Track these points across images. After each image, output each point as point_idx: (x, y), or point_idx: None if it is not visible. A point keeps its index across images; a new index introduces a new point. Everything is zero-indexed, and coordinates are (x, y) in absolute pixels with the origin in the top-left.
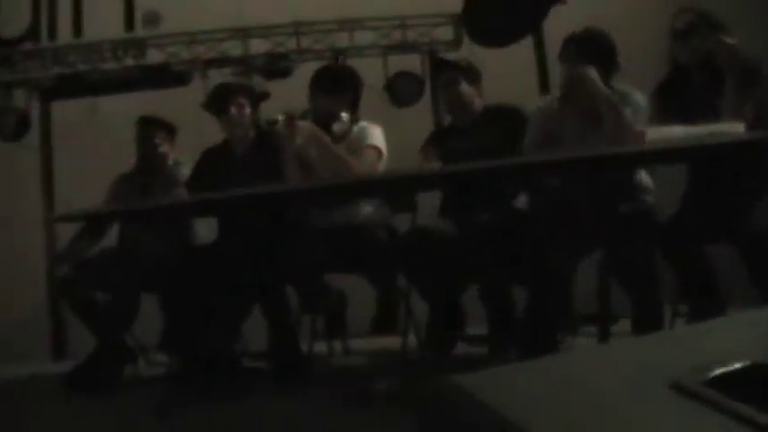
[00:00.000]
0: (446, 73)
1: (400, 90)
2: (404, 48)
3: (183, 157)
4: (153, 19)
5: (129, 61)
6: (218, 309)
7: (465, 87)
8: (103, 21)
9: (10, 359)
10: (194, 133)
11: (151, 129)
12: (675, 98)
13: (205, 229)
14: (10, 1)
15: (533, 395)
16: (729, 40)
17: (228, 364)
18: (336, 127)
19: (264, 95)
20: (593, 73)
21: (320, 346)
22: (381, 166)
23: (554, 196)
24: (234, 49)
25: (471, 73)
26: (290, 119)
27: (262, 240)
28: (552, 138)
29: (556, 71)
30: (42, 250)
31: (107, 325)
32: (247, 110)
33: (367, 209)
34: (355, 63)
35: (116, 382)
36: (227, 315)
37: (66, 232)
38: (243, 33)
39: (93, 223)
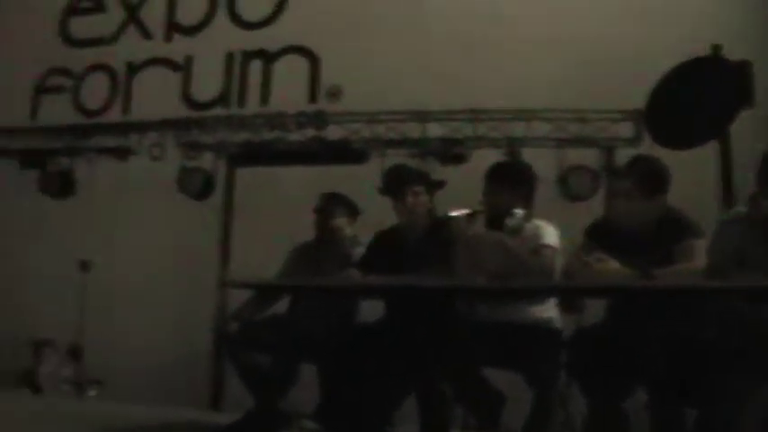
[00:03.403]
0: (620, 182)
1: (574, 184)
2: (580, 142)
3: (359, 237)
4: (335, 92)
5: (311, 133)
6: (374, 389)
7: (636, 204)
8: (289, 92)
9: (171, 403)
10: (368, 211)
11: (333, 205)
12: None
13: (369, 305)
14: (204, 68)
15: None
16: None
17: None
18: (510, 222)
19: (440, 184)
20: None
21: None
22: (558, 267)
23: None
24: (412, 130)
25: (645, 186)
26: (471, 216)
27: (425, 328)
28: (740, 257)
29: (740, 180)
30: (214, 305)
31: (265, 388)
32: (423, 198)
33: (535, 307)
34: (529, 153)
35: None
36: (383, 397)
37: (239, 291)
38: (422, 116)
39: (266, 292)
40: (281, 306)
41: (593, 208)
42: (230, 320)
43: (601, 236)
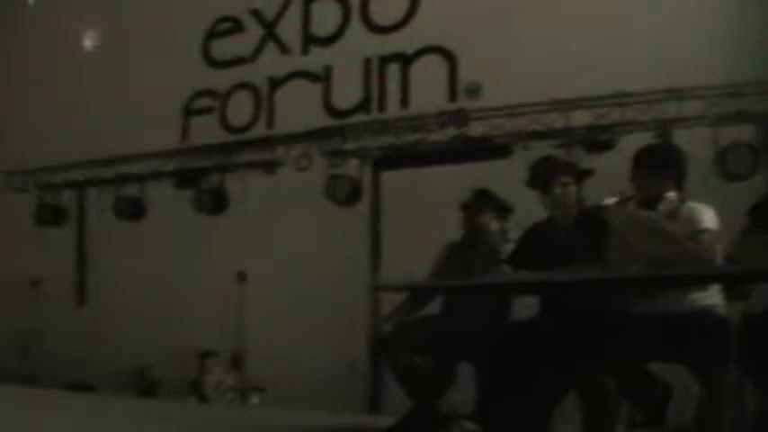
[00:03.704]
0: None
1: (732, 162)
2: (736, 118)
3: (509, 233)
4: (474, 89)
5: (452, 132)
6: (533, 387)
7: None
8: (428, 92)
9: (330, 408)
10: (516, 206)
11: (480, 202)
12: None
13: (521, 303)
14: (342, 76)
15: None
16: None
17: None
18: (664, 206)
19: (588, 173)
20: None
21: None
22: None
23: None
24: (555, 121)
25: None
26: (622, 203)
27: (583, 323)
28: None
29: None
30: (368, 309)
31: (423, 390)
32: (571, 188)
33: (696, 295)
34: (681, 135)
35: None
36: (542, 394)
37: (392, 294)
38: (565, 105)
39: (418, 294)
40: (435, 306)
41: (755, 187)
42: (385, 324)
43: (765, 218)
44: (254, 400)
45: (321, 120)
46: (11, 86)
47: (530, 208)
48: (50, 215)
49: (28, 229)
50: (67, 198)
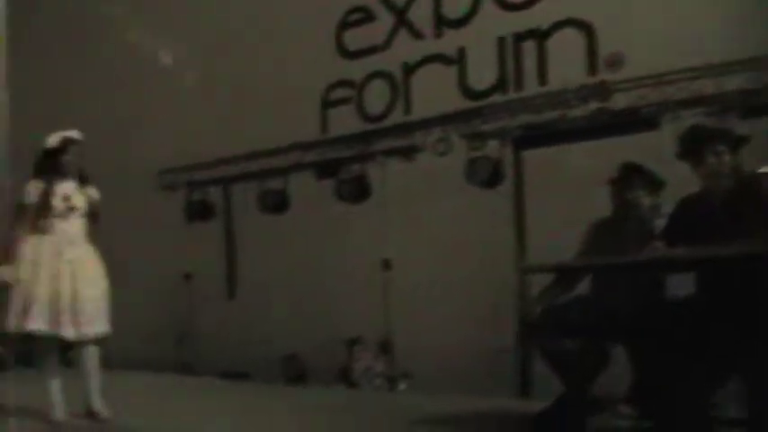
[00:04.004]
0: None
1: None
2: None
3: (662, 207)
4: (616, 60)
5: (594, 106)
6: (692, 369)
7: None
8: (566, 67)
9: (480, 393)
10: (667, 179)
11: (629, 176)
12: None
13: (675, 281)
14: (477, 57)
15: None
16: None
17: (699, 427)
18: None
19: (744, 139)
20: None
21: None
22: None
23: None
24: (705, 87)
25: None
26: None
27: (745, 301)
28: None
29: None
30: (515, 292)
31: (575, 373)
32: (726, 157)
33: None
34: None
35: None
36: (702, 377)
37: (540, 276)
38: (716, 69)
39: (566, 274)
40: (584, 286)
41: None
42: (533, 306)
43: None
44: (403, 386)
45: (458, 103)
46: (162, 89)
47: (681, 182)
48: (199, 211)
49: (179, 225)
50: (214, 194)
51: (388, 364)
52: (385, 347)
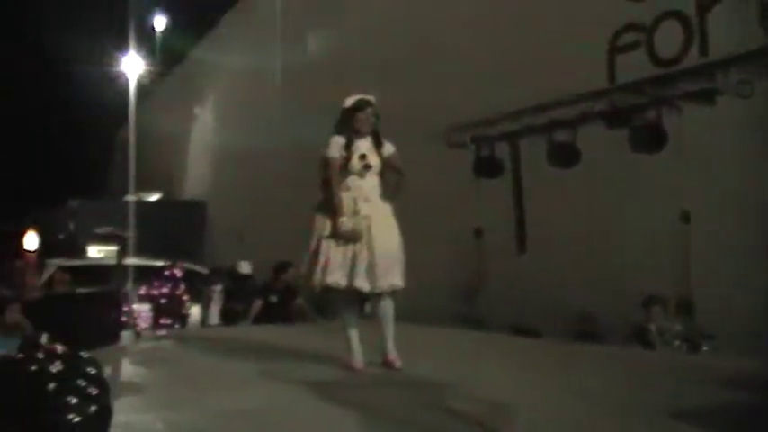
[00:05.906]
0: None
1: None
2: None
3: None
4: None
5: None
6: None
7: None
8: None
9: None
10: None
11: None
12: None
13: None
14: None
15: None
16: None
17: None
18: None
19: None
20: None
21: None
22: None
23: None
24: None
25: None
26: None
27: None
28: None
29: None
30: None
31: None
32: None
33: None
34: None
35: None
36: None
37: None
38: None
39: None
40: None
41: None
42: None
43: None
44: (705, 348)
45: (761, 40)
46: (449, 47)
47: None
48: (487, 167)
49: (468, 181)
50: (501, 150)
51: (690, 325)
52: (685, 307)
